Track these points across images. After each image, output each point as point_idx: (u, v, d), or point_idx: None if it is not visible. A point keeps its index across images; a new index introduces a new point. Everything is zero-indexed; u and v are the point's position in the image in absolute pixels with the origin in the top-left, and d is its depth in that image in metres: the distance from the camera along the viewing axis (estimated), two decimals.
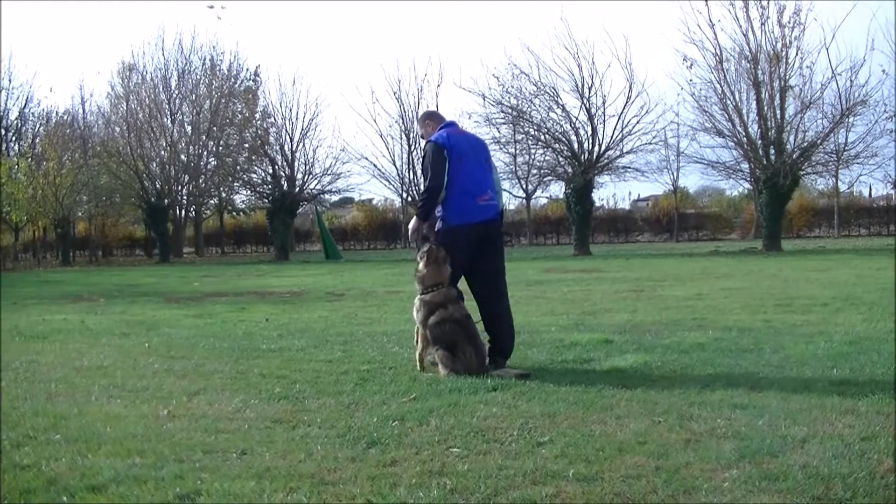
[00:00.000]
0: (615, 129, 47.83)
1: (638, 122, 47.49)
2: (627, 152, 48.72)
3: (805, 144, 43.39)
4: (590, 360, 9.59)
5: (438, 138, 9.68)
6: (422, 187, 9.91)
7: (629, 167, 50.32)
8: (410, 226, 9.84)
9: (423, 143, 10.19)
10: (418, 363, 9.40)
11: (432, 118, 10.46)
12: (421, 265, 9.42)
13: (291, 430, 6.64)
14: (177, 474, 5.44)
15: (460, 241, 9.47)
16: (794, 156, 43.16)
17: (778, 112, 43.39)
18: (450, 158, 9.50)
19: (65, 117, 64.48)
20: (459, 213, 9.50)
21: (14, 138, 65.89)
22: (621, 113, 47.52)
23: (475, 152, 9.86)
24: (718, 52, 44.03)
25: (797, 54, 42.85)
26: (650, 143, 49.39)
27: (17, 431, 6.74)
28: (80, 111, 64.94)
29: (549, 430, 6.41)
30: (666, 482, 5.08)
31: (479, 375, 8.66)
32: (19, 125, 65.24)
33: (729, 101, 44.32)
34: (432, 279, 9.31)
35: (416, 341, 9.58)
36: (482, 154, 10.03)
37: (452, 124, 10.25)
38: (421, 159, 10.05)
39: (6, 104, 63.31)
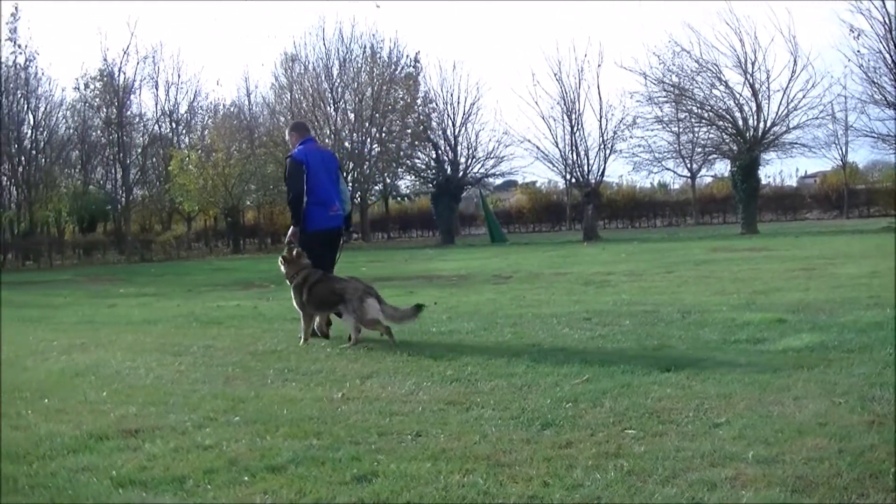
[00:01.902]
0: (780, 104, 46.83)
1: (804, 97, 46.30)
2: (794, 128, 47.61)
3: None
4: (763, 340, 9.42)
5: (297, 154, 11.72)
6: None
7: (796, 143, 49.07)
8: (290, 232, 11.86)
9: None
10: (304, 338, 11.09)
11: (297, 130, 12.48)
12: (283, 268, 11.54)
13: (465, 411, 6.68)
14: (353, 456, 5.52)
15: (315, 243, 11.61)
16: None
17: None
18: (307, 172, 11.52)
19: (232, 109, 65.86)
20: (315, 221, 11.65)
21: (184, 131, 67.45)
22: (786, 87, 46.46)
23: (326, 167, 11.92)
24: (887, 20, 42.56)
25: None
26: (817, 118, 47.93)
27: (197, 413, 6.93)
28: (246, 102, 66.57)
29: (726, 411, 6.32)
30: (850, 465, 4.95)
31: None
32: (189, 118, 66.79)
33: None
34: (293, 270, 11.38)
35: (301, 328, 11.25)
36: (333, 168, 12.15)
37: (311, 140, 12.24)
38: (284, 172, 12.23)
39: (176, 98, 65.01)
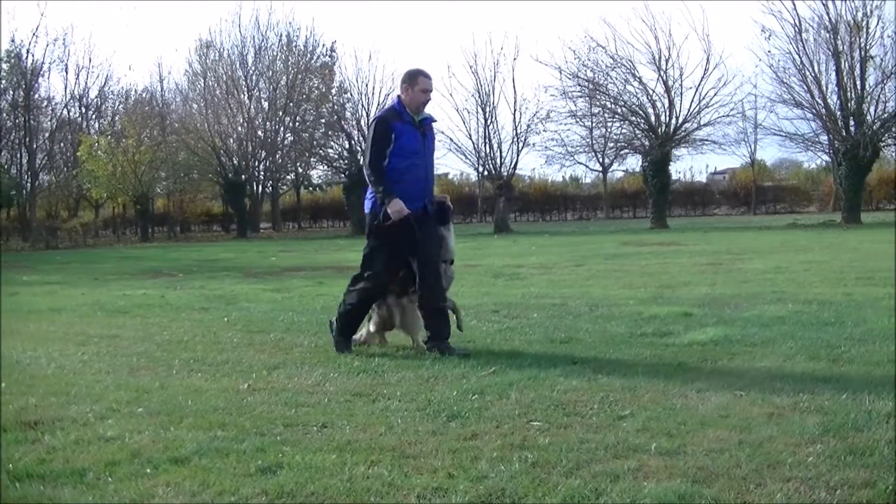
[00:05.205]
0: (692, 101, 47.80)
1: (715, 95, 47.64)
2: (705, 125, 48.87)
3: (886, 115, 42.90)
4: (669, 334, 9.53)
5: None
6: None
7: (706, 140, 50.43)
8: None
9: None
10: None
11: None
12: None
13: (371, 403, 6.68)
14: (258, 447, 5.48)
15: None
16: (875, 127, 42.74)
17: (858, 82, 42.94)
18: None
19: (143, 95, 65.29)
20: None
21: (94, 116, 66.63)
22: (699, 85, 47.60)
23: None
24: (797, 22, 43.81)
25: (878, 23, 42.37)
26: (728, 116, 49.40)
27: (100, 405, 6.82)
28: (159, 89, 65.83)
29: (630, 403, 6.39)
30: (749, 456, 5.03)
31: None
32: (99, 103, 65.95)
33: (808, 72, 44.06)
34: None
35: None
36: None
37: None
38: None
39: (86, 83, 64.13)
